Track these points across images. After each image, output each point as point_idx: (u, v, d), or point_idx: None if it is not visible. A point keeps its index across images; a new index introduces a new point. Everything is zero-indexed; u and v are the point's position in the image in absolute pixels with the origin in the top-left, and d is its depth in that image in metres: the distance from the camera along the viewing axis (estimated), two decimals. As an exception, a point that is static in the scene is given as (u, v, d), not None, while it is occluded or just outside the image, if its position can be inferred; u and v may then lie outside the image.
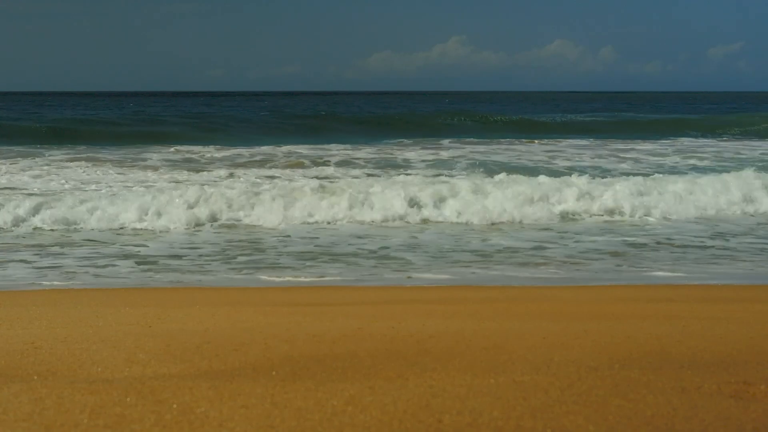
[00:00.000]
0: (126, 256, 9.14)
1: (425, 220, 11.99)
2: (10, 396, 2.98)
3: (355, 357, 3.68)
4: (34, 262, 8.84)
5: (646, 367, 3.42)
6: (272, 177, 16.55)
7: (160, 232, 10.90)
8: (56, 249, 9.65)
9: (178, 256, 9.19)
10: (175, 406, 2.84)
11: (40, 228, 10.98)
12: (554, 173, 16.78)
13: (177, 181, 15.74)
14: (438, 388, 3.04)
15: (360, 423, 2.68)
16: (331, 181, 14.39)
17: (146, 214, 11.44)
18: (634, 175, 15.82)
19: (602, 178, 15.34)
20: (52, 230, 10.88)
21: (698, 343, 4.06)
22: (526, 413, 2.75)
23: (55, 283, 7.72)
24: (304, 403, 2.86)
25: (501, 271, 8.44)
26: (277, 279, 7.99)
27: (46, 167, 18.15)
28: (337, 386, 3.08)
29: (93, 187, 15.00)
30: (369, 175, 17.34)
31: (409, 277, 8.00)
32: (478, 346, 3.91)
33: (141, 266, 8.63)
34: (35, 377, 3.40)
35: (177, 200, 11.95)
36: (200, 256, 9.25)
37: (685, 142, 27.72)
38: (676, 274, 8.21)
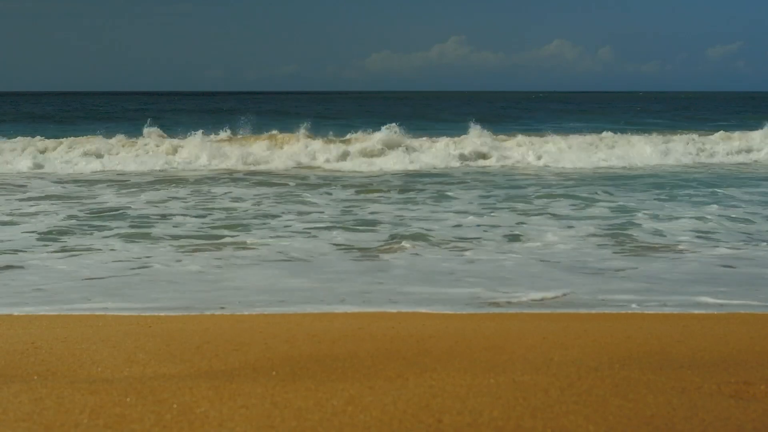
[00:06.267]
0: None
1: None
2: (10, 396, 2.98)
3: (355, 357, 3.68)
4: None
5: (646, 367, 3.42)
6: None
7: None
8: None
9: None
10: (175, 406, 2.84)
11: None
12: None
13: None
14: (438, 388, 3.04)
15: (360, 423, 2.68)
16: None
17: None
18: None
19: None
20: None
21: (698, 343, 4.06)
22: (526, 413, 2.75)
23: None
24: (304, 403, 2.86)
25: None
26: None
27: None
28: (337, 386, 3.08)
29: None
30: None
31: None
32: (478, 346, 3.91)
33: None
34: (35, 377, 3.40)
35: None
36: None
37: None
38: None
